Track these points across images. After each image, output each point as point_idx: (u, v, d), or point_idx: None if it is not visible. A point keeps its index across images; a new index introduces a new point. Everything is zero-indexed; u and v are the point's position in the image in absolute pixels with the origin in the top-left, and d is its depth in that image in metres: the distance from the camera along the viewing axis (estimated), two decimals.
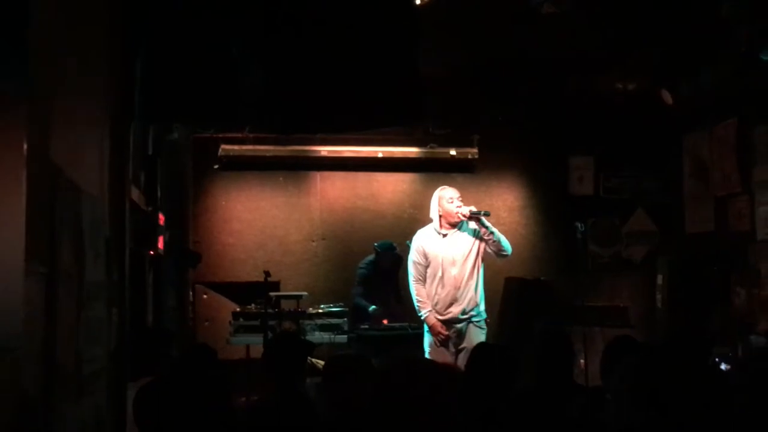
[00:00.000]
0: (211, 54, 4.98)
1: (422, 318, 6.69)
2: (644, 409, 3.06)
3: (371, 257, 8.03)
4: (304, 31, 5.05)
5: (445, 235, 6.69)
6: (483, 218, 6.62)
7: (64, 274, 3.29)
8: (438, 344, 6.62)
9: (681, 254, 8.38)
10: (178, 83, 5.09)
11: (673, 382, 3.38)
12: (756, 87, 7.30)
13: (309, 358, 6.56)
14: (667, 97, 7.91)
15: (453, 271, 6.62)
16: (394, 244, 7.95)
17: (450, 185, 6.97)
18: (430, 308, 6.63)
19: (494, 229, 6.65)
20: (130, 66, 4.93)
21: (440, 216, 6.71)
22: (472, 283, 6.64)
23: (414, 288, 6.75)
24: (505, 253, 6.72)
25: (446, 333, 6.59)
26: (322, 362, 6.49)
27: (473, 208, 6.66)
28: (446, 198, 6.70)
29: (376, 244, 8.02)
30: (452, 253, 6.65)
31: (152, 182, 6.06)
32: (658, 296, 8.20)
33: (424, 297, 6.68)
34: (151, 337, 5.46)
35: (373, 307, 7.68)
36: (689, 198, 8.77)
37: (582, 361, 7.00)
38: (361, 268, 8.04)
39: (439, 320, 6.60)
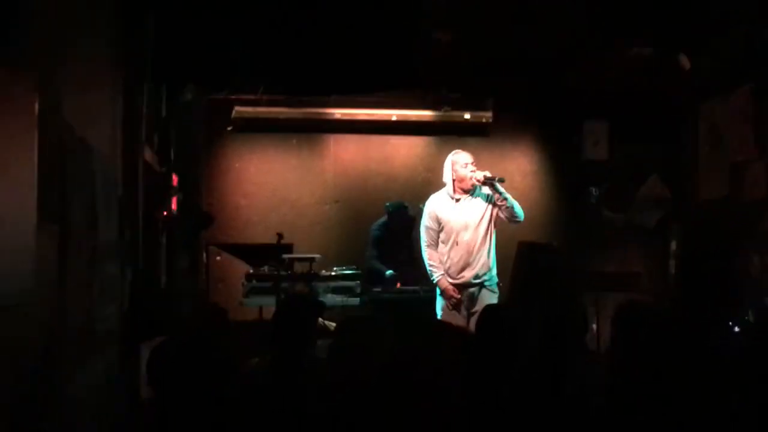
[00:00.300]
0: (223, 15, 4.96)
1: (434, 282, 6.70)
2: (652, 376, 3.08)
3: (383, 219, 8.04)
4: None
5: (458, 200, 6.67)
6: (497, 184, 6.58)
7: (75, 232, 3.30)
8: (450, 308, 6.63)
9: (695, 220, 8.34)
10: (190, 44, 5.08)
11: (685, 350, 3.39)
12: None
13: (321, 320, 6.65)
14: (686, 62, 7.83)
15: (466, 236, 6.61)
16: (406, 204, 7.95)
17: (464, 149, 6.93)
18: (442, 272, 6.64)
19: (508, 195, 6.61)
20: (143, 27, 4.92)
21: (453, 180, 6.67)
22: (485, 248, 6.64)
23: (426, 253, 6.75)
24: (517, 219, 6.70)
25: (458, 296, 6.60)
26: (333, 324, 6.54)
27: (488, 173, 6.62)
28: (460, 163, 6.66)
29: (387, 204, 8.03)
30: (465, 218, 6.63)
31: (166, 143, 6.07)
32: (672, 262, 8.18)
33: (436, 261, 6.68)
34: (164, 297, 5.49)
35: (390, 271, 7.70)
36: (704, 164, 8.71)
37: (594, 326, 7.01)
38: (374, 230, 8.06)
39: (451, 284, 6.61)
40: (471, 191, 6.64)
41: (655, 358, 3.09)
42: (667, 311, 3.85)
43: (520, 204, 6.73)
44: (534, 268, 8.40)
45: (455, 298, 6.59)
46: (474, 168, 6.63)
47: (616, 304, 3.61)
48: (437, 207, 6.73)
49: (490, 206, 6.64)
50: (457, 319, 6.47)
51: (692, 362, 3.16)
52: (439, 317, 6.60)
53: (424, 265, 6.77)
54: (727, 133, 8.22)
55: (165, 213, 6.01)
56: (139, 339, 4.60)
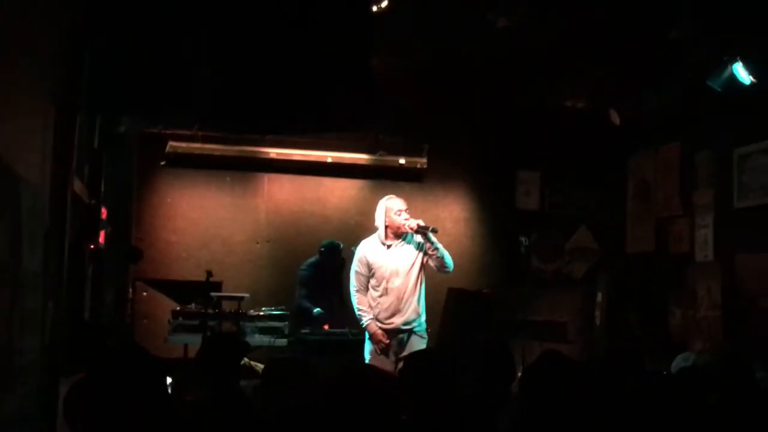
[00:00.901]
0: (162, 48, 4.92)
1: (364, 326, 6.68)
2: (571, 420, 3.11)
3: (313, 259, 8.00)
4: (257, 30, 5.02)
5: (389, 246, 6.67)
6: (430, 234, 6.60)
7: None
8: (378, 352, 6.61)
9: (621, 273, 8.50)
10: (127, 76, 5.02)
11: (605, 399, 3.44)
12: (700, 112, 7.45)
13: (248, 360, 6.56)
14: (615, 117, 8.03)
15: (396, 282, 6.61)
16: (339, 244, 7.94)
17: (398, 194, 6.97)
18: (371, 316, 6.63)
19: (439, 245, 6.64)
20: (78, 56, 4.85)
21: (386, 226, 6.68)
22: (415, 294, 6.65)
23: (355, 297, 6.74)
24: (447, 270, 6.73)
25: (387, 341, 6.59)
26: (261, 365, 6.46)
27: (421, 222, 6.64)
28: (394, 209, 6.66)
29: (322, 243, 8.01)
30: (396, 264, 6.64)
31: (96, 175, 5.97)
32: (597, 313, 8.30)
33: (365, 306, 6.67)
34: (86, 332, 5.36)
35: (318, 309, 7.65)
36: (631, 218, 8.91)
37: (520, 374, 7.04)
38: (302, 269, 8.01)
39: (381, 329, 6.59)
40: (403, 237, 6.66)
41: (561, 408, 3.14)
42: (582, 363, 3.90)
43: (450, 251, 6.78)
44: (463, 314, 8.44)
45: (383, 342, 6.58)
46: (408, 216, 6.64)
47: (541, 351, 3.65)
48: (368, 252, 6.72)
49: (421, 253, 6.66)
50: (385, 364, 6.45)
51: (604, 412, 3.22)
52: (367, 361, 6.57)
53: (353, 309, 6.75)
54: (654, 188, 8.44)
55: (92, 246, 5.90)
56: (58, 373, 4.47)
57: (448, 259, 6.68)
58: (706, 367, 4.51)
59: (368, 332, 6.65)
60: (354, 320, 6.90)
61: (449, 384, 3.42)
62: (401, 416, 3.06)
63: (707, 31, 6.40)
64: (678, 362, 5.80)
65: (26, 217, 3.68)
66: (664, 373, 6.19)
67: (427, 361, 3.63)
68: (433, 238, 6.62)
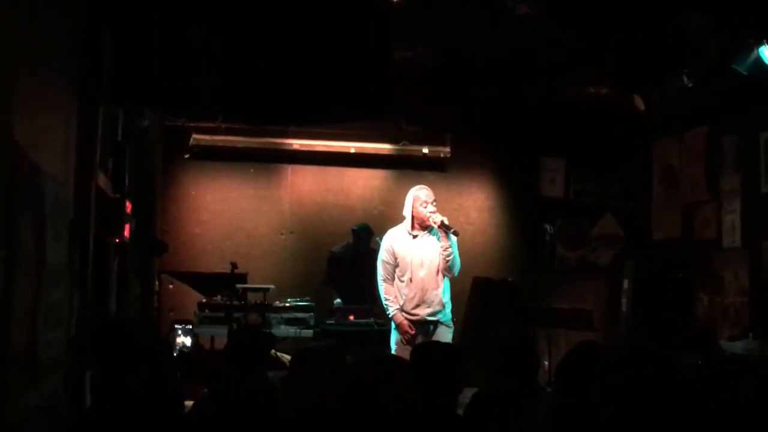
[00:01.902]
0: (181, 40, 4.93)
1: (390, 316, 6.67)
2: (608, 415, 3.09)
3: (345, 243, 8.09)
4: (276, 20, 5.01)
5: (415, 237, 6.64)
6: (451, 235, 6.56)
7: (23, 256, 3.24)
8: (404, 342, 6.60)
9: (647, 260, 8.43)
10: (148, 68, 5.03)
11: (637, 388, 3.41)
12: (726, 96, 7.37)
13: (274, 351, 6.58)
14: (639, 103, 7.94)
15: (421, 273, 6.58)
16: (371, 228, 7.98)
17: (421, 183, 6.95)
18: (398, 306, 6.61)
19: (455, 250, 6.60)
20: (100, 49, 4.87)
21: (413, 217, 6.66)
22: (440, 285, 6.62)
23: (382, 287, 6.72)
24: (452, 274, 6.69)
25: (413, 332, 6.57)
26: (287, 356, 6.48)
27: (445, 220, 6.58)
28: (420, 200, 6.61)
29: (354, 227, 8.05)
30: (421, 255, 6.60)
31: (120, 169, 5.99)
32: (624, 300, 8.24)
33: (392, 295, 6.65)
34: (111, 326, 5.39)
35: (338, 300, 7.67)
36: (657, 204, 8.83)
37: (546, 363, 7.02)
38: (332, 251, 8.12)
39: (407, 319, 6.58)
40: (429, 229, 6.63)
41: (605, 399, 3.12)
42: (619, 353, 3.87)
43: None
44: (488, 303, 8.43)
45: (410, 333, 6.56)
46: (434, 208, 6.60)
47: (567, 339, 3.63)
48: (394, 242, 6.70)
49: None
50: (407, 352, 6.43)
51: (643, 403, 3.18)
52: (393, 351, 6.56)
53: (380, 299, 6.75)
54: (680, 174, 8.36)
55: (117, 240, 5.93)
56: (85, 366, 4.51)
57: (458, 266, 6.63)
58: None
59: (394, 322, 6.64)
60: (379, 311, 6.89)
61: (456, 375, 3.40)
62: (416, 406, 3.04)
63: (731, 14, 6.32)
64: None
65: (51, 211, 3.71)
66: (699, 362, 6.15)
67: (434, 353, 3.61)
68: (453, 239, 6.58)
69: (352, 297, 7.74)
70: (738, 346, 6.28)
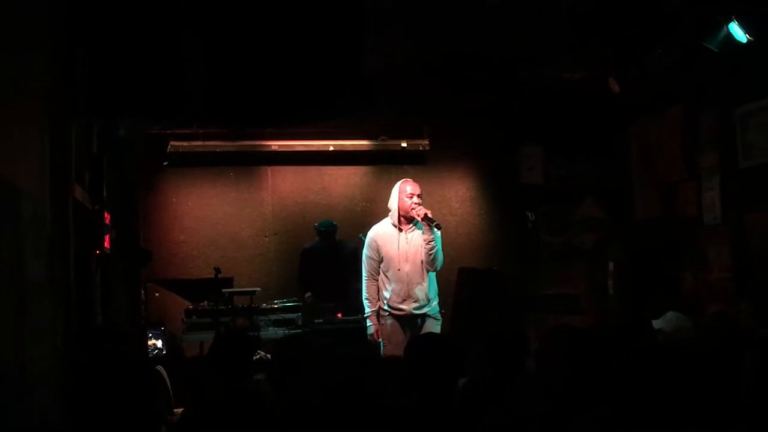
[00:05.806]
0: (155, 47, 4.91)
1: (365, 316, 6.73)
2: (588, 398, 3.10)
3: (316, 239, 8.11)
4: (249, 22, 5.00)
5: (401, 230, 6.67)
6: (434, 228, 6.59)
7: (2, 274, 3.22)
8: (378, 338, 6.65)
9: (631, 241, 8.47)
10: (122, 78, 5.01)
11: (620, 367, 3.42)
12: (700, 74, 7.39)
13: (263, 353, 6.58)
14: (615, 85, 7.96)
15: (406, 268, 6.61)
16: (334, 222, 8.01)
17: (402, 177, 6.97)
18: (374, 309, 6.66)
19: (439, 244, 6.65)
20: (72, 61, 4.84)
21: (399, 209, 6.68)
22: (425, 279, 6.64)
23: (365, 284, 6.76)
24: (434, 268, 6.72)
25: (378, 340, 6.63)
26: None
27: (429, 213, 6.63)
28: (406, 192, 6.68)
29: (315, 223, 8.09)
30: (406, 249, 6.64)
31: (98, 181, 5.96)
32: (610, 283, 8.28)
33: (372, 295, 6.72)
34: (100, 338, 5.38)
35: (309, 294, 7.72)
36: (637, 185, 8.86)
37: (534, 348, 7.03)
38: (304, 247, 8.22)
39: (394, 314, 6.61)
40: (414, 222, 6.66)
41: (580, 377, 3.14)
42: (596, 332, 3.89)
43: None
44: (475, 293, 8.45)
45: (374, 338, 6.64)
46: (419, 201, 6.64)
47: (554, 324, 3.66)
48: (379, 236, 6.73)
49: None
50: (400, 350, 6.44)
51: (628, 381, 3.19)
52: (381, 347, 6.59)
53: (362, 296, 6.80)
54: (659, 154, 8.39)
55: (98, 251, 5.91)
56: (75, 380, 4.48)
57: (440, 260, 6.69)
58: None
59: (368, 322, 6.69)
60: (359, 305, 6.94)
61: (451, 366, 3.41)
62: (409, 398, 3.05)
63: None
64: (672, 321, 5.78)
65: (28, 227, 3.68)
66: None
67: (429, 344, 3.63)
68: (437, 233, 6.61)
69: (322, 292, 7.75)
70: (658, 323, 6.30)
